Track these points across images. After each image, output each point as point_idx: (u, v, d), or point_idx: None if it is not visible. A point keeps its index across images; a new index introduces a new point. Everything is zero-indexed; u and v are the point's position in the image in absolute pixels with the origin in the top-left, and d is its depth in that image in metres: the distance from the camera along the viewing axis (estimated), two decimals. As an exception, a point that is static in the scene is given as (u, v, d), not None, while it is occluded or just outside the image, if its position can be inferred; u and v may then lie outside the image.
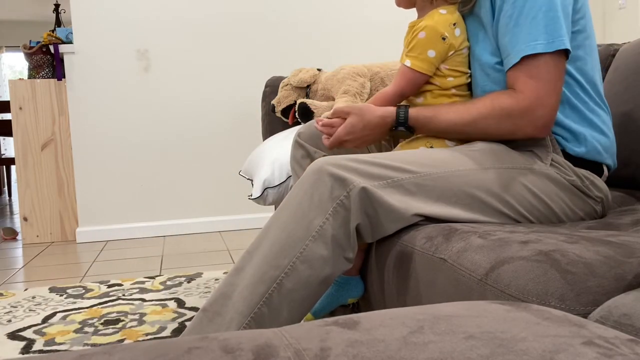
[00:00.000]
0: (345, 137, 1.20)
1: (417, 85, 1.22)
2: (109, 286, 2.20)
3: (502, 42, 1.12)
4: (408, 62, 1.20)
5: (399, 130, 1.18)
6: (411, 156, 1.09)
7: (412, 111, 1.17)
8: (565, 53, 1.08)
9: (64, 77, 3.11)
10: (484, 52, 1.18)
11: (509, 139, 1.14)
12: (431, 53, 1.18)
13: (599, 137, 1.15)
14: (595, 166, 1.16)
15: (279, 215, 1.04)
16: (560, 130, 1.14)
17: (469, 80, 1.24)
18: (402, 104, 1.19)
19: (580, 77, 1.14)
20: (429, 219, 1.05)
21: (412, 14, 1.31)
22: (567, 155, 1.13)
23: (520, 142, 1.14)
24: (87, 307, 1.94)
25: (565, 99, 1.14)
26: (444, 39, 1.17)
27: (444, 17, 1.19)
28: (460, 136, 1.16)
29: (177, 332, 1.68)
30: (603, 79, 1.59)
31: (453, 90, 1.22)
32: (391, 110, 1.18)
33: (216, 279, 2.24)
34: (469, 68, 1.23)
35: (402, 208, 1.02)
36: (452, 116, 1.14)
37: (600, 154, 1.15)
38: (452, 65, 1.21)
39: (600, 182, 1.15)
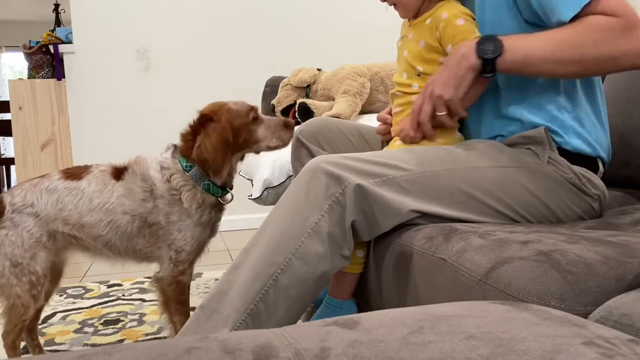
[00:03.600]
0: (434, 87, 1.09)
1: None
2: (109, 286, 2.20)
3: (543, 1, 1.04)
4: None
5: (486, 71, 1.05)
6: (406, 154, 1.09)
7: (506, 40, 1.04)
8: None
9: (64, 77, 3.11)
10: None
11: (610, 69, 1.05)
12: (478, 32, 1.14)
13: (591, 129, 1.15)
14: (590, 162, 1.15)
15: (275, 213, 1.05)
16: (550, 124, 1.13)
17: None
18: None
19: None
20: (426, 216, 1.05)
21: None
22: (563, 150, 1.13)
23: (518, 139, 1.14)
24: (87, 307, 1.94)
25: (561, 86, 1.12)
26: (474, 18, 1.16)
27: (461, 7, 1.18)
28: (555, 65, 1.03)
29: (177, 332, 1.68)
30: (603, 79, 1.59)
31: None
32: (472, 44, 1.06)
33: (216, 279, 2.24)
34: None
35: (398, 204, 1.02)
36: (546, 37, 1.03)
37: (593, 147, 1.14)
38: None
39: (596, 179, 1.15)
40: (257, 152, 1.41)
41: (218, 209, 1.38)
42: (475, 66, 1.05)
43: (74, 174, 1.34)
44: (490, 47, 1.04)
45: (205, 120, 1.31)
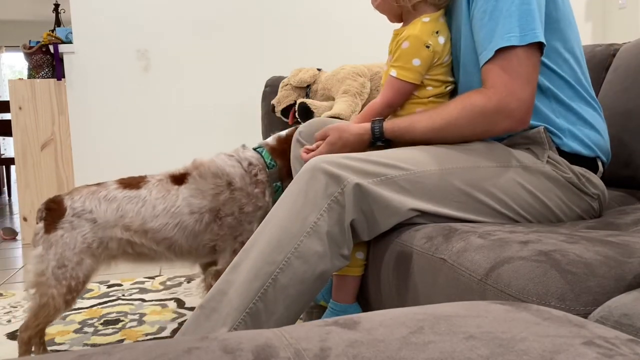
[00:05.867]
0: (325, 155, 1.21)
1: (405, 95, 1.22)
2: (109, 286, 2.20)
3: (478, 38, 1.11)
4: (394, 73, 1.19)
5: (378, 146, 1.18)
6: (405, 154, 1.09)
7: (387, 124, 1.16)
8: (539, 47, 1.07)
9: (64, 77, 3.11)
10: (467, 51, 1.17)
11: (488, 137, 1.13)
12: (416, 62, 1.17)
13: (589, 132, 1.15)
14: (589, 162, 1.16)
15: (275, 212, 1.05)
16: (548, 126, 1.13)
17: (448, 89, 1.23)
18: (376, 118, 1.19)
19: (562, 72, 1.14)
20: (426, 216, 1.05)
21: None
22: (561, 152, 1.13)
23: (517, 139, 1.14)
24: (86, 307, 1.94)
25: (551, 94, 1.14)
26: (427, 47, 1.17)
27: (426, 26, 1.18)
28: (439, 141, 1.14)
29: (177, 332, 1.68)
30: (603, 79, 1.59)
31: (431, 98, 1.22)
32: (366, 126, 1.18)
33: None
34: (452, 76, 1.23)
35: (397, 203, 1.02)
36: (426, 123, 1.13)
37: (591, 149, 1.15)
38: (432, 75, 1.20)
39: (596, 178, 1.15)
40: None
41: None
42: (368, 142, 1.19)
43: (131, 183, 1.40)
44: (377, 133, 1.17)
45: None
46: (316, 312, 1.44)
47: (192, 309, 1.86)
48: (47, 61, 3.17)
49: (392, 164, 1.04)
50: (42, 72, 3.17)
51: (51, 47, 3.11)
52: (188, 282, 2.19)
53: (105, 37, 3.12)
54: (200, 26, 3.24)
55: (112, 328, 1.74)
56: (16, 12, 7.90)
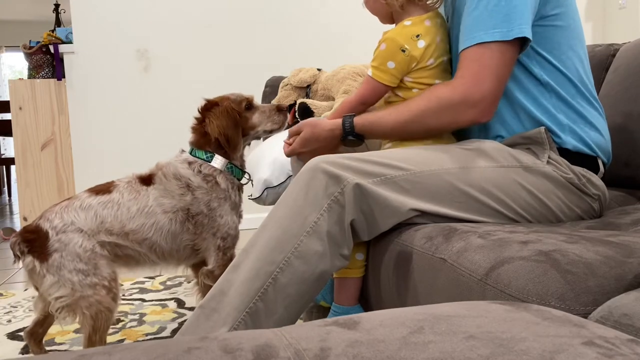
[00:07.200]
0: (299, 149, 1.24)
1: (379, 94, 1.23)
2: (109, 286, 2.19)
3: (463, 24, 1.12)
4: (370, 72, 1.21)
5: (350, 140, 1.19)
6: (405, 154, 1.09)
7: (357, 119, 1.18)
8: (519, 43, 1.07)
9: (64, 77, 3.10)
10: None
11: (454, 128, 1.15)
12: (390, 64, 1.17)
13: (589, 131, 1.15)
14: (590, 163, 1.15)
15: (275, 212, 1.05)
16: (547, 120, 1.13)
17: None
18: (347, 114, 1.21)
19: (564, 69, 1.14)
20: (426, 216, 1.05)
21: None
22: (562, 152, 1.13)
23: (517, 139, 1.14)
24: (87, 307, 1.94)
25: (552, 90, 1.13)
26: (403, 50, 1.16)
27: (406, 29, 1.18)
28: (408, 135, 1.16)
29: (177, 332, 1.68)
30: (603, 79, 1.59)
31: None
32: (338, 122, 1.20)
33: (216, 279, 2.24)
34: (443, 77, 1.22)
35: (397, 203, 1.03)
36: (394, 116, 1.15)
37: (591, 148, 1.15)
38: (415, 78, 1.19)
39: (597, 179, 1.14)
40: (258, 138, 1.56)
41: (239, 190, 1.49)
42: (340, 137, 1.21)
43: (102, 189, 1.40)
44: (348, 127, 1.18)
45: (211, 105, 1.46)
46: (316, 312, 1.44)
47: (192, 309, 1.86)
48: (47, 61, 3.17)
49: (392, 164, 1.04)
50: (42, 72, 3.17)
51: (51, 47, 3.11)
52: (188, 282, 2.19)
53: (105, 37, 3.11)
54: (200, 26, 3.23)
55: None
56: (16, 12, 7.89)
